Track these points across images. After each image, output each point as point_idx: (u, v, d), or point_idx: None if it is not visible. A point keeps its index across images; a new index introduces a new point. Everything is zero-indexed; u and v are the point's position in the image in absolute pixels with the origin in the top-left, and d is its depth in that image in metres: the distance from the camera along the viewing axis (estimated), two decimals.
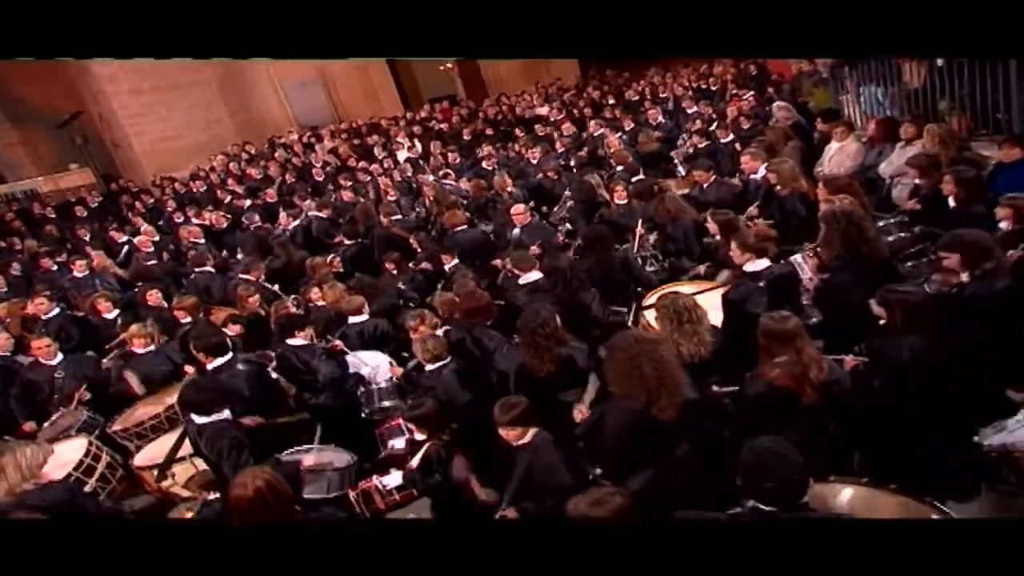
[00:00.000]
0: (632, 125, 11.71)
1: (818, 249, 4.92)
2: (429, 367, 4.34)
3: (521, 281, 5.38)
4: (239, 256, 9.36)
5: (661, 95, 14.72)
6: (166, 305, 7.06)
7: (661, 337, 3.13)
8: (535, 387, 3.88)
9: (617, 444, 3.07)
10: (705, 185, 7.10)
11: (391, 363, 5.22)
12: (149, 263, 8.76)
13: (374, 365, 5.09)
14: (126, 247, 10.31)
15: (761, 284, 4.09)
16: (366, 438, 4.77)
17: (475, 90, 21.43)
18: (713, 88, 14.02)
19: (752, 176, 6.72)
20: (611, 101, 15.53)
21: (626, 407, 3.00)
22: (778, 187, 6.12)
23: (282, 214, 9.89)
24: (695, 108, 11.99)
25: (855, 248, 4.04)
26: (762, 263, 4.17)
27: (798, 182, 6.07)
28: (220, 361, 4.60)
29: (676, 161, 9.77)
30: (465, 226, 7.58)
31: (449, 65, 22.48)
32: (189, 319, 6.40)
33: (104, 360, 6.28)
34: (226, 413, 3.92)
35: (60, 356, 5.88)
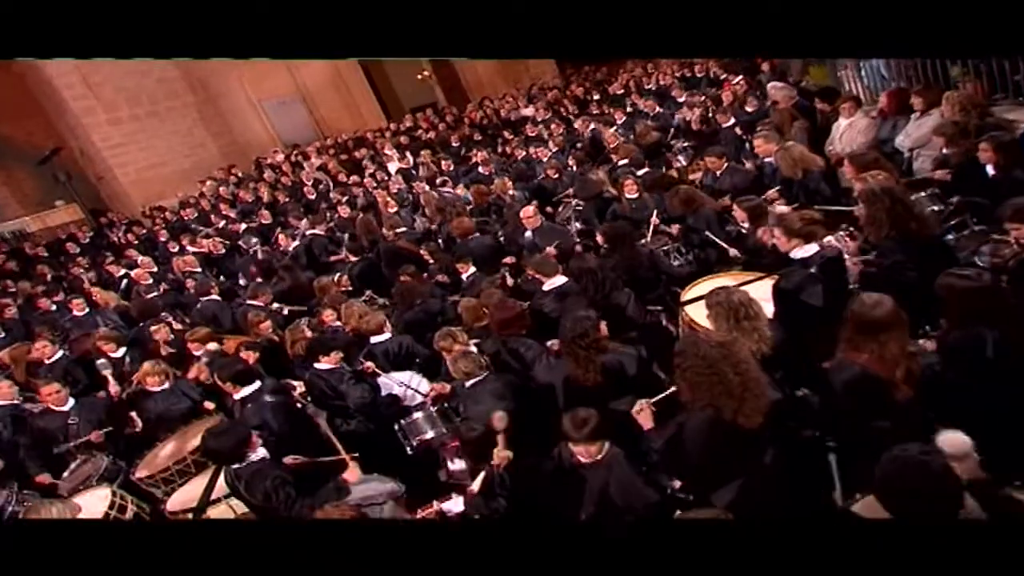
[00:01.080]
0: (623, 118, 11.57)
1: (852, 230, 4.82)
2: (466, 384, 4.12)
3: (545, 287, 5.18)
4: (241, 281, 9.15)
5: (646, 86, 14.63)
6: (172, 338, 6.83)
7: (735, 339, 2.92)
8: (584, 399, 3.68)
9: (701, 457, 2.87)
10: (719, 172, 6.94)
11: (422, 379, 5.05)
12: (150, 295, 8.47)
13: (407, 385, 4.89)
14: (124, 281, 10.03)
15: (812, 271, 3.91)
16: (409, 461, 4.57)
17: (455, 96, 21.30)
18: (699, 76, 13.92)
19: (767, 159, 6.56)
20: (595, 97, 15.43)
21: (709, 417, 2.80)
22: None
23: (280, 235, 9.65)
24: (684, 97, 11.89)
25: (904, 226, 3.87)
26: (811, 248, 3.98)
27: (815, 161, 5.93)
28: (248, 390, 4.39)
29: (676, 150, 9.65)
30: (476, 233, 7.39)
31: (427, 73, 22.32)
32: (202, 351, 6.17)
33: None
34: (262, 452, 3.70)
35: (72, 401, 5.61)
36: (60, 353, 6.78)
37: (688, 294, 4.85)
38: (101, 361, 5.97)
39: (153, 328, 6.76)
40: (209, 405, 5.54)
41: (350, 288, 7.49)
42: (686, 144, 9.64)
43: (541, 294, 5.14)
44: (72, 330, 8.04)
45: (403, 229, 8.32)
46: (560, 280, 5.10)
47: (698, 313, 4.33)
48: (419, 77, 22.27)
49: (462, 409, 4.19)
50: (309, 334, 6.14)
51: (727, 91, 10.58)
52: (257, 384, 4.44)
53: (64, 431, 5.49)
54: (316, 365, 4.90)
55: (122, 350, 6.76)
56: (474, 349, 4.50)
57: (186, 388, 5.70)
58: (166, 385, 5.62)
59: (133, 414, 5.48)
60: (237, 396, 4.43)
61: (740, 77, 12.28)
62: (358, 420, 4.75)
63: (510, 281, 6.18)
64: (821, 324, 3.81)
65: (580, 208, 8.34)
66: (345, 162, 14.58)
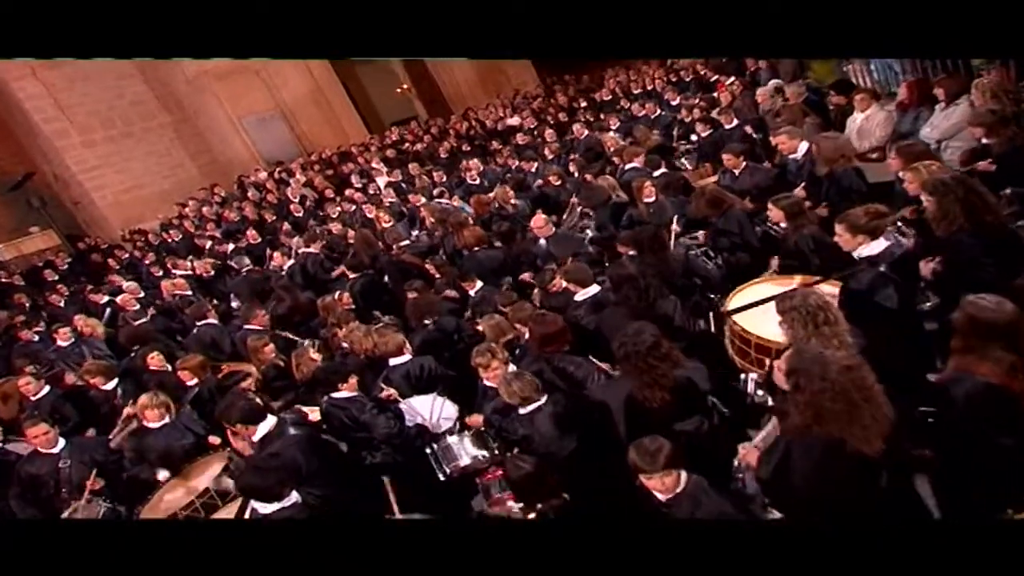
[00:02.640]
0: (618, 123, 11.35)
1: (900, 226, 4.55)
2: (522, 411, 3.74)
3: (578, 298, 4.85)
4: (234, 304, 8.70)
5: (635, 91, 14.47)
6: (169, 368, 6.38)
7: (862, 362, 2.55)
8: (649, 420, 3.35)
9: (815, 489, 2.53)
10: (737, 171, 6.66)
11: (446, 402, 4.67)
12: (139, 322, 7.98)
13: (432, 412, 4.51)
14: (108, 309, 9.51)
15: (882, 269, 3.62)
16: (439, 490, 4.18)
17: (436, 109, 21.02)
18: (687, 79, 13.78)
19: (791, 156, 6.31)
20: (583, 104, 15.24)
21: (828, 446, 2.47)
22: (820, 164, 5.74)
23: (275, 254, 9.21)
24: (678, 99, 11.72)
25: (979, 218, 3.59)
26: (878, 244, 3.70)
27: (845, 156, 5.68)
28: (265, 428, 3.97)
29: (680, 152, 9.43)
30: (484, 245, 7.05)
31: (406, 87, 22.02)
32: (196, 380, 5.73)
33: (112, 439, 5.55)
34: (295, 497, 3.30)
35: (62, 442, 5.13)
36: (47, 388, 6.28)
37: (733, 301, 4.54)
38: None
39: (149, 357, 6.27)
40: (215, 440, 5.10)
41: (352, 306, 7.09)
42: (689, 147, 9.43)
43: (574, 305, 4.80)
44: (56, 362, 7.52)
45: (406, 242, 7.92)
46: (594, 289, 4.78)
47: (749, 322, 4.05)
48: (398, 91, 21.98)
49: (520, 434, 3.77)
50: (316, 356, 5.74)
51: (723, 92, 10.42)
52: (273, 418, 4.02)
53: (55, 476, 5.01)
54: (334, 395, 4.47)
55: (112, 383, 6.30)
56: (513, 366, 4.14)
57: (188, 422, 5.24)
58: (167, 419, 5.16)
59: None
60: (255, 437, 4.00)
61: (732, 78, 12.14)
62: (384, 452, 4.35)
63: (537, 300, 5.79)
64: (895, 328, 3.55)
65: (588, 213, 8.08)
66: (331, 177, 14.20)
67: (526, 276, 6.86)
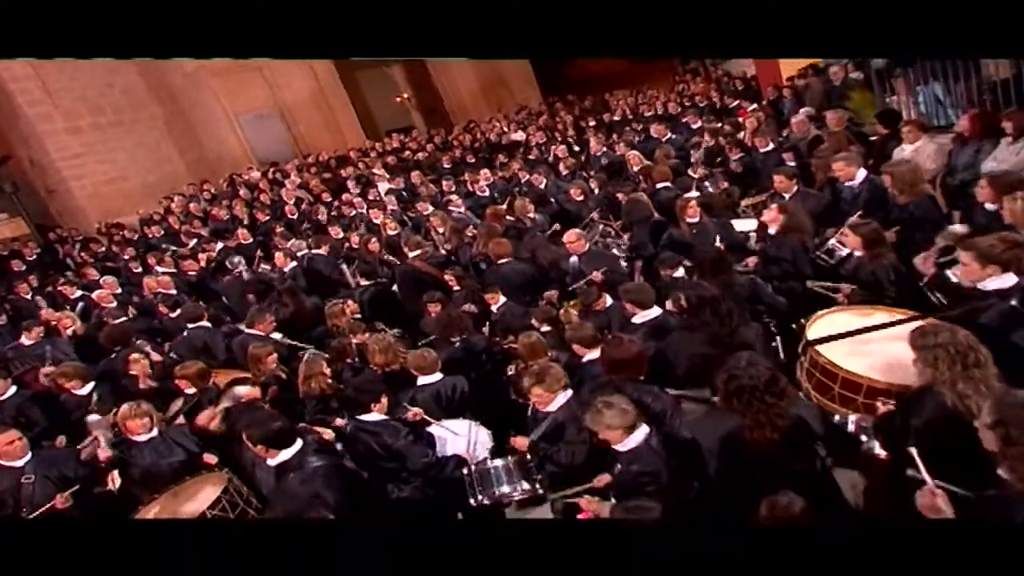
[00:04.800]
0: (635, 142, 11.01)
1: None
2: (621, 447, 3.11)
3: (636, 319, 4.32)
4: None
5: (646, 113, 14.22)
6: (150, 371, 5.70)
7: None
8: (752, 463, 2.82)
9: None
10: (788, 195, 6.22)
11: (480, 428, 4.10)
12: (118, 320, 7.24)
13: (469, 438, 3.92)
14: (81, 304, 8.75)
15: (1014, 303, 3.14)
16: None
17: (435, 120, 20.60)
18: (701, 104, 13.53)
19: (848, 183, 5.89)
20: (591, 123, 14.93)
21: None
22: (896, 192, 5.32)
23: (277, 255, 8.54)
24: (699, 123, 11.38)
25: None
26: (1010, 278, 3.23)
27: (922, 185, 5.29)
28: (287, 454, 3.34)
29: (701, 176, 8.99)
30: (510, 258, 6.50)
31: (406, 96, 21.57)
32: (193, 390, 5.06)
33: (82, 450, 4.83)
34: None
35: (29, 454, 4.42)
36: (13, 389, 5.56)
37: (813, 330, 4.05)
38: (95, 418, 4.74)
39: (132, 358, 5.59)
40: (210, 459, 4.43)
41: (358, 315, 6.48)
42: (712, 170, 9.01)
43: (631, 328, 4.27)
44: (14, 361, 6.76)
45: (419, 252, 7.31)
46: (655, 312, 4.25)
47: (835, 354, 3.64)
48: (397, 99, 21.51)
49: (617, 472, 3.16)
50: (327, 371, 5.11)
51: (747, 119, 10.11)
52: (299, 444, 3.39)
53: (16, 493, 4.29)
54: (363, 417, 3.84)
55: (88, 386, 5.59)
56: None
57: (178, 436, 4.57)
58: (153, 432, 4.48)
59: (114, 472, 4.31)
60: (272, 462, 3.37)
61: (754, 105, 11.87)
62: (414, 485, 3.73)
63: (573, 314, 5.27)
64: None
65: (609, 231, 7.62)
66: (328, 181, 13.60)
67: (551, 292, 6.42)
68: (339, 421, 4.52)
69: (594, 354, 3.98)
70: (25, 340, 6.97)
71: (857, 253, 4.66)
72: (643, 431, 3.05)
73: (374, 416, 3.83)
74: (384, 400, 3.87)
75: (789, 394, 2.88)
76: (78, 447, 4.86)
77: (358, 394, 3.84)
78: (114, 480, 4.39)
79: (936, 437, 2.73)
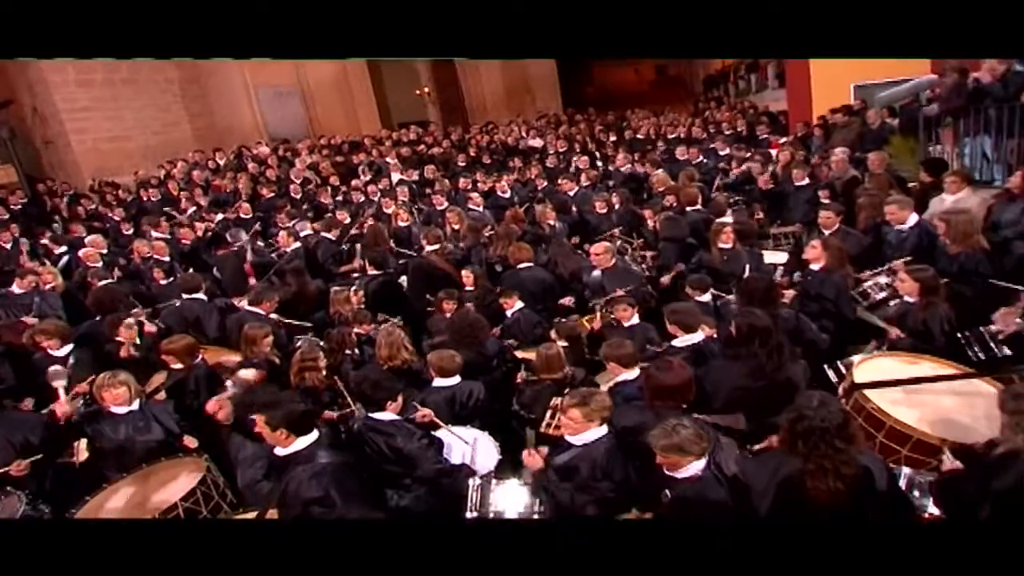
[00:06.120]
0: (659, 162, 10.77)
1: None
2: (683, 472, 2.71)
3: (677, 343, 3.96)
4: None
5: (670, 135, 13.95)
6: (139, 342, 5.28)
7: None
8: (808, 513, 2.47)
9: None
10: (828, 232, 5.88)
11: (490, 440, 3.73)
12: (105, 282, 6.79)
13: (477, 448, 3.53)
14: (64, 259, 8.30)
15: None
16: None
17: (453, 118, 20.30)
18: (727, 132, 13.26)
19: (897, 227, 5.57)
20: (612, 138, 14.66)
21: None
22: (948, 241, 5.02)
23: (281, 233, 8.12)
24: (727, 150, 11.09)
25: None
26: None
27: (977, 236, 4.98)
28: (302, 444, 2.95)
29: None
30: (530, 264, 6.13)
31: (426, 90, 21.28)
32: (180, 366, 4.63)
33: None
34: None
35: None
36: None
37: (860, 373, 3.72)
38: (55, 368, 4.33)
39: (125, 323, 5.16)
40: (191, 442, 4.02)
41: (362, 304, 6.08)
42: (736, 198, 8.70)
43: (671, 351, 3.90)
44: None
45: (438, 246, 6.90)
46: (698, 336, 3.89)
47: (884, 401, 3.45)
48: (416, 92, 21.20)
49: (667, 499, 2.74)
50: (323, 363, 4.68)
51: (780, 152, 9.84)
52: (315, 434, 3.00)
53: None
54: (374, 415, 3.45)
55: (67, 348, 5.16)
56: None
57: (159, 413, 4.14)
58: (134, 406, 4.06)
59: (82, 442, 3.89)
60: (286, 450, 2.98)
61: (787, 139, 11.60)
62: (416, 494, 3.33)
63: (596, 323, 4.91)
64: None
65: (626, 247, 7.31)
66: (338, 165, 13.20)
67: (566, 301, 6.12)
68: (328, 413, 4.21)
69: (630, 374, 3.61)
70: (16, 288, 6.53)
71: (908, 299, 4.32)
72: (704, 460, 2.68)
73: (386, 415, 3.42)
74: (400, 399, 3.47)
75: (859, 442, 2.53)
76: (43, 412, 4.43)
77: (375, 390, 3.42)
78: (79, 451, 3.97)
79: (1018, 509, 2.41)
